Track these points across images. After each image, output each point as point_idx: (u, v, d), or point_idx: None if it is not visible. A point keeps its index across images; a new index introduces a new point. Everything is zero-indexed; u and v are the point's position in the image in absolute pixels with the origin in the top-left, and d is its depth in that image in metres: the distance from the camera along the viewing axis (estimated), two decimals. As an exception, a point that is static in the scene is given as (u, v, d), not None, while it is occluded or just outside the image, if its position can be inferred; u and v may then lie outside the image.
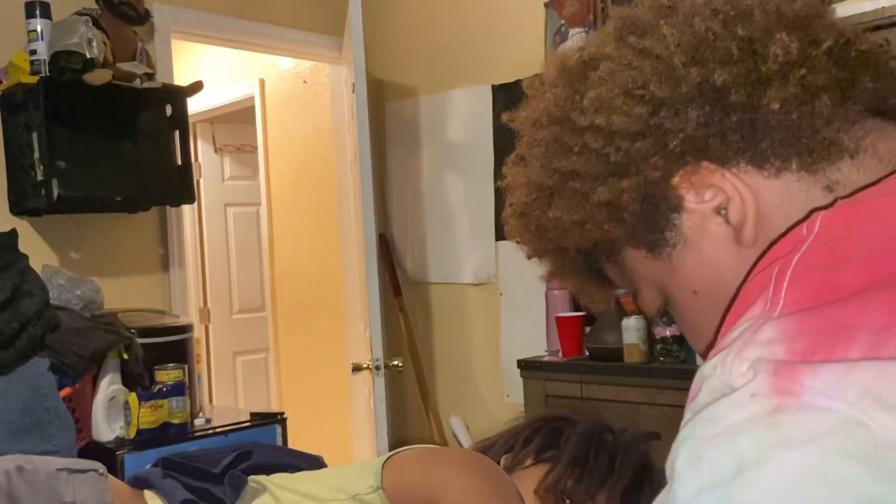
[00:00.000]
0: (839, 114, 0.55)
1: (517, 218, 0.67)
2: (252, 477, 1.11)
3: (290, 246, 4.00)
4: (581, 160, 0.59)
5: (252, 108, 4.05)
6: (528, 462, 1.18)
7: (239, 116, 4.34)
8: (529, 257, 0.70)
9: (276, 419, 2.43)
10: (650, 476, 1.16)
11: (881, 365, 0.41)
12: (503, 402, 3.07)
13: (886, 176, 0.54)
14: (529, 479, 1.15)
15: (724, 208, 0.57)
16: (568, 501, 1.12)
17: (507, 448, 1.21)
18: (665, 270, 0.61)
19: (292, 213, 3.98)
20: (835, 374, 0.42)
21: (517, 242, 0.70)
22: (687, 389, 1.65)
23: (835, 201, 0.55)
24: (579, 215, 0.61)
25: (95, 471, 1.08)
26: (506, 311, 3.10)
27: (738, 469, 0.41)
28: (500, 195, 3.26)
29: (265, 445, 1.30)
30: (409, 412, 3.38)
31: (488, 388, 3.17)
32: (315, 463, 1.26)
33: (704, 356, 0.63)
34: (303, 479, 1.13)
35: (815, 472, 0.39)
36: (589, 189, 0.59)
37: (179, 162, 2.62)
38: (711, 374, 0.47)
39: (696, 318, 0.62)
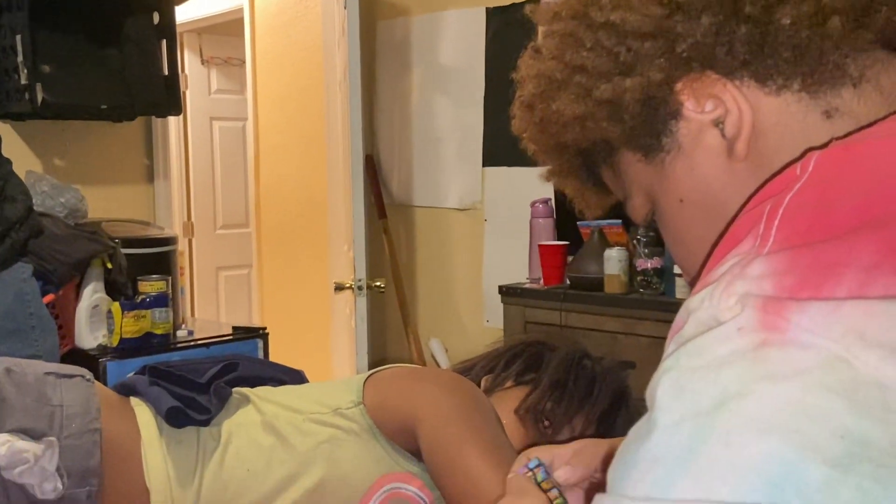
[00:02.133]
0: (849, 39, 0.55)
1: (523, 110, 0.68)
2: (236, 389, 1.13)
3: (276, 163, 3.97)
4: (591, 56, 0.59)
5: (241, 21, 3.96)
6: (509, 384, 1.21)
7: (227, 28, 4.23)
8: (532, 153, 0.70)
9: (259, 334, 2.46)
10: (626, 402, 1.19)
11: (867, 304, 0.42)
12: (483, 326, 3.12)
13: (885, 117, 0.54)
14: (509, 400, 1.18)
15: (721, 122, 0.57)
16: (546, 422, 1.15)
17: (487, 370, 1.24)
18: (656, 176, 0.62)
19: (279, 130, 3.94)
20: (821, 312, 0.42)
21: (522, 137, 0.69)
22: (666, 321, 1.68)
23: (830, 141, 0.55)
24: (581, 110, 0.61)
25: (82, 377, 1.09)
26: (489, 237, 3.11)
27: (720, 400, 0.42)
28: (488, 120, 3.26)
29: (249, 358, 1.32)
30: (390, 333, 3.42)
31: (468, 312, 3.21)
32: (297, 378, 1.28)
33: (687, 272, 0.64)
34: (285, 393, 1.15)
35: (796, 405, 0.40)
36: (593, 85, 0.60)
37: (166, 72, 2.57)
38: (698, 306, 0.47)
39: (680, 227, 0.62)
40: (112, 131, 2.69)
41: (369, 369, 2.78)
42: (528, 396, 1.17)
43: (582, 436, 1.15)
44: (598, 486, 0.81)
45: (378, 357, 3.33)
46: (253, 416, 1.09)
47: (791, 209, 0.48)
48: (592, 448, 0.83)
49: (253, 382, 1.19)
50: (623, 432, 1.14)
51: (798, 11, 0.54)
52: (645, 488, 0.44)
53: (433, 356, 3.27)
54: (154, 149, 2.80)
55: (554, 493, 0.75)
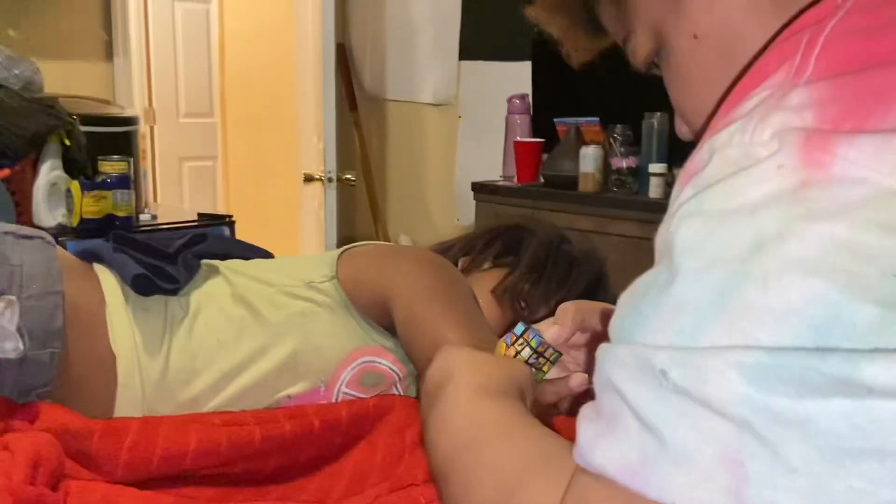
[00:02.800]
0: None
1: None
2: (206, 261, 1.09)
3: (242, 50, 3.82)
4: None
5: None
6: (487, 265, 1.19)
7: None
8: None
9: (225, 221, 2.40)
10: (604, 286, 1.18)
11: None
12: (453, 224, 3.09)
13: None
14: (487, 280, 1.15)
15: None
16: (523, 303, 1.13)
17: (465, 251, 1.21)
18: (669, 8, 0.56)
19: (246, 15, 3.78)
20: (871, 143, 0.38)
21: None
22: (639, 220, 1.66)
23: None
24: None
25: (42, 238, 1.04)
26: (464, 133, 3.05)
27: (757, 242, 0.38)
28: (466, 11, 3.14)
29: (217, 235, 1.27)
30: (358, 228, 3.38)
31: (439, 210, 3.17)
32: (266, 257, 1.24)
33: (691, 123, 0.59)
34: (257, 266, 1.11)
35: (842, 243, 0.37)
36: None
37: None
38: (727, 142, 0.42)
39: (691, 68, 0.57)
40: (68, 3, 2.54)
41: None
42: (505, 277, 1.15)
43: (559, 317, 1.13)
44: (601, 337, 0.79)
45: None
46: (223, 288, 1.05)
47: (834, 36, 0.43)
48: (574, 307, 0.80)
49: (222, 258, 1.15)
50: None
51: None
52: (668, 336, 0.40)
53: (400, 253, 3.25)
54: (113, 22, 2.66)
55: (550, 351, 0.74)
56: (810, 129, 0.40)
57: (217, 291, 1.04)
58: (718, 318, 0.38)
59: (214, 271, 1.09)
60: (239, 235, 2.54)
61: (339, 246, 2.79)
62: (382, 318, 1.03)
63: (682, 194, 0.45)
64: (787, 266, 0.38)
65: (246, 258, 1.20)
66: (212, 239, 1.18)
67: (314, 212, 2.91)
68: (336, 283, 1.05)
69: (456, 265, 1.19)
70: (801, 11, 0.49)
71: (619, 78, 2.55)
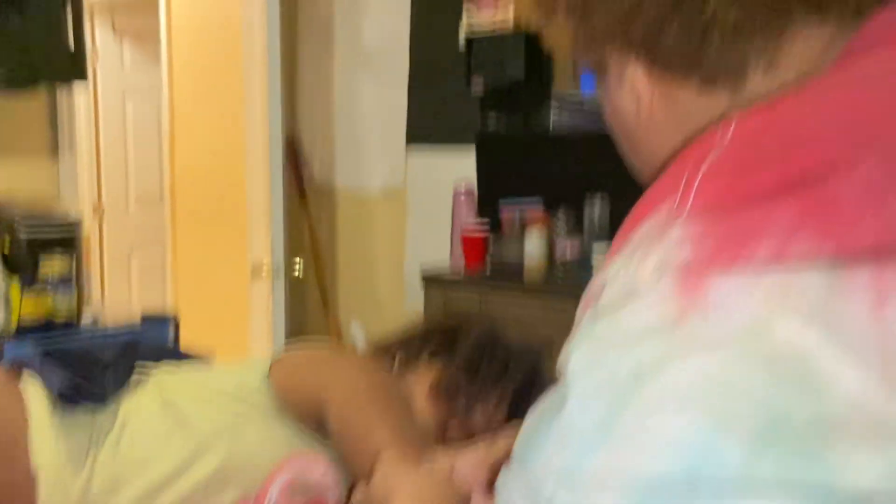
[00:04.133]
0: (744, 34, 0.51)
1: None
2: (138, 368, 1.07)
3: (193, 141, 3.85)
4: None
5: (155, -8, 3.81)
6: (423, 364, 1.19)
7: (141, 1, 4.07)
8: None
9: (169, 320, 2.36)
10: (540, 382, 1.18)
11: (786, 268, 0.40)
12: (403, 310, 3.09)
13: (809, 76, 0.51)
14: (423, 379, 1.15)
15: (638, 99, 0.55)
16: (461, 401, 1.13)
17: (401, 350, 1.21)
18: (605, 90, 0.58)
19: (196, 107, 3.82)
20: (740, 279, 0.41)
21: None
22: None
23: (752, 104, 0.53)
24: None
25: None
26: (413, 219, 3.08)
27: (637, 373, 0.40)
28: (412, 100, 3.23)
29: (153, 344, 1.26)
30: (310, 318, 3.36)
31: (390, 296, 3.17)
32: (204, 363, 1.23)
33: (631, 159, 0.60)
34: (188, 372, 1.10)
35: (714, 378, 0.39)
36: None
37: (72, 38, 2.45)
38: (615, 276, 0.45)
39: (617, 133, 0.60)
40: (12, 100, 2.55)
41: (286, 353, 2.72)
42: (441, 375, 1.15)
43: (495, 414, 1.13)
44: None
45: (300, 340, 3.27)
46: (152, 396, 1.03)
47: (710, 174, 0.46)
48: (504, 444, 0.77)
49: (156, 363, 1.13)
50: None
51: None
52: (559, 460, 0.42)
53: (354, 339, 3.23)
54: (59, 121, 2.67)
55: None
56: (689, 261, 0.42)
57: (146, 400, 1.02)
58: (603, 443, 0.40)
59: (145, 378, 1.07)
60: (187, 329, 2.50)
61: (289, 337, 2.77)
62: (316, 424, 1.02)
63: (580, 319, 0.47)
64: (663, 397, 0.39)
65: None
66: (144, 345, 1.17)
67: (263, 303, 2.89)
68: (268, 389, 1.03)
69: (392, 364, 1.19)
70: (689, 138, 0.51)
71: (561, 160, 2.62)
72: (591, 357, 0.43)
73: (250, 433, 1.00)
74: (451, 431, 1.11)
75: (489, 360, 1.16)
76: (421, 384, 1.14)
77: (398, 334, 1.25)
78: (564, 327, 1.81)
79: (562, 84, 2.67)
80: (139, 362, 1.09)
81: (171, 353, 1.26)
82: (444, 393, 1.13)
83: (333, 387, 1.00)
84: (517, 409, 1.15)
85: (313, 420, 1.01)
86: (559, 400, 0.44)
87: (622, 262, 0.45)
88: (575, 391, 0.43)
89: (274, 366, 1.06)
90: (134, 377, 1.07)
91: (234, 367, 1.12)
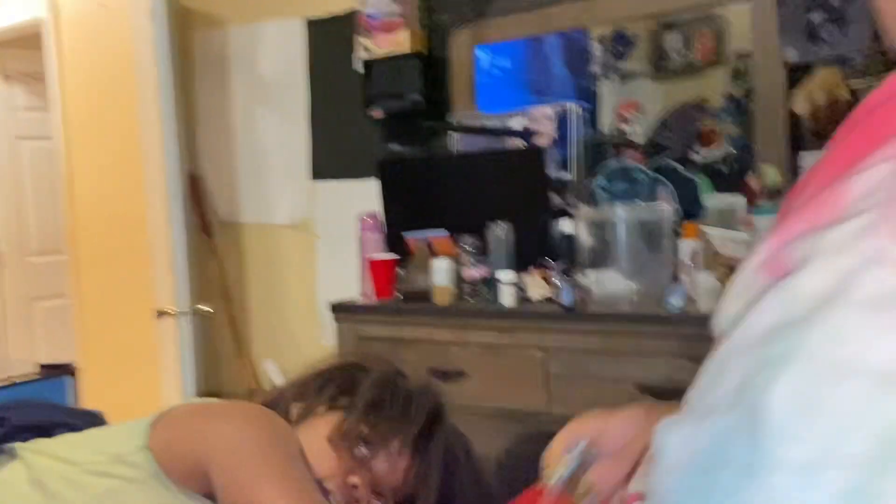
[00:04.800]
0: None
1: None
2: (6, 445, 1.01)
3: (92, 184, 3.71)
4: None
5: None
6: (321, 410, 1.15)
7: (31, 42, 3.92)
8: None
9: (67, 371, 2.26)
10: (443, 420, 1.16)
11: None
12: (318, 345, 3.04)
13: None
14: (322, 426, 1.12)
15: None
16: (363, 447, 1.10)
17: (297, 397, 1.17)
18: None
19: (92, 150, 3.69)
20: None
21: None
22: (495, 329, 1.67)
23: None
24: None
25: None
26: (321, 253, 3.04)
27: (891, 438, 0.25)
28: (314, 133, 3.20)
29: (33, 403, 1.19)
30: (223, 359, 3.27)
31: (304, 331, 3.12)
32: (92, 420, 1.17)
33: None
34: (60, 443, 1.04)
35: None
36: None
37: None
38: (840, 247, 0.29)
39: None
40: None
41: (200, 395, 2.63)
42: (341, 422, 1.12)
43: (399, 460, 1.11)
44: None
45: (212, 385, 3.17)
46: (19, 473, 0.97)
47: None
48: (646, 426, 0.62)
49: (33, 432, 1.07)
50: (441, 450, 1.10)
51: None
52: None
53: (269, 378, 3.16)
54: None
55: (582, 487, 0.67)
56: None
57: (12, 478, 0.96)
58: None
59: (11, 454, 1.01)
60: (93, 381, 2.41)
61: (201, 382, 2.69)
62: (202, 486, 0.97)
63: (765, 302, 0.31)
64: None
65: (66, 425, 1.12)
66: (20, 411, 1.10)
67: (172, 349, 2.80)
68: (147, 453, 0.98)
69: (288, 412, 1.15)
70: None
71: (464, 190, 2.62)
72: (809, 396, 0.27)
73: (130, 502, 0.95)
74: (354, 480, 1.08)
75: (391, 401, 1.14)
76: (320, 432, 1.11)
77: (295, 380, 1.22)
78: (477, 349, 1.81)
79: (461, 105, 2.69)
80: (10, 436, 1.02)
81: (54, 412, 1.20)
82: (345, 440, 1.10)
83: (215, 443, 0.95)
84: (422, 450, 1.12)
85: (199, 482, 0.96)
86: (748, 455, 0.28)
87: (851, 231, 0.29)
88: (786, 455, 0.27)
89: (154, 427, 1.01)
90: (5, 448, 1.01)
91: (110, 433, 1.07)
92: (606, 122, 2.54)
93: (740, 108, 2.36)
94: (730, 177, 2.31)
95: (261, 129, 3.16)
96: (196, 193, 3.21)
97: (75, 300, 3.82)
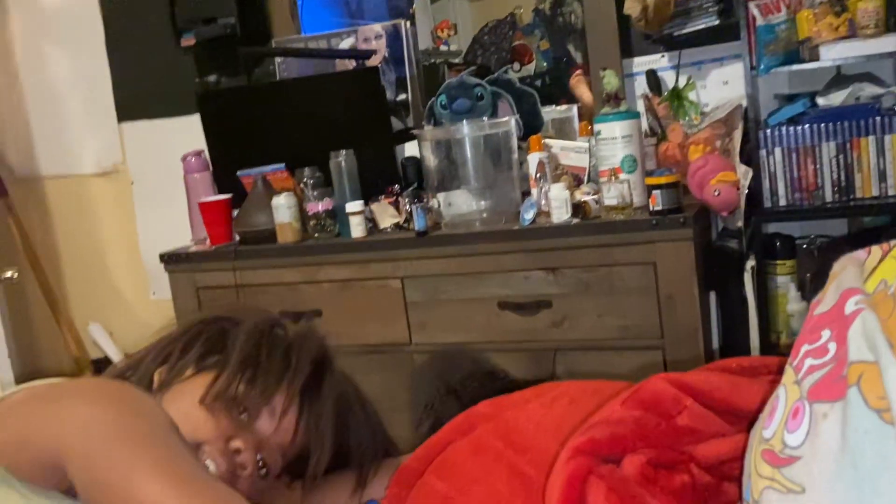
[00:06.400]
0: None
1: None
2: None
3: None
4: None
5: None
6: (189, 372, 1.02)
7: None
8: None
9: None
10: (329, 366, 1.06)
11: None
12: (149, 300, 2.80)
13: None
14: (193, 390, 0.98)
15: None
16: (241, 409, 0.98)
17: (159, 361, 1.03)
18: None
19: None
20: None
21: None
22: (345, 263, 1.56)
23: None
24: None
25: None
26: (140, 201, 2.78)
27: None
28: (115, 70, 2.88)
29: None
30: (38, 328, 2.96)
31: (130, 287, 2.87)
32: None
33: None
34: None
35: None
36: None
37: None
38: None
39: None
40: None
41: (16, 375, 2.35)
42: (214, 382, 0.99)
43: (285, 415, 1.00)
44: None
45: (29, 360, 2.86)
46: None
47: None
48: None
49: None
50: (331, 400, 0.99)
51: None
52: None
53: (95, 343, 2.89)
54: None
55: None
56: None
57: None
58: None
59: None
60: None
61: (17, 355, 2.40)
62: (56, 481, 0.82)
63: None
64: None
65: None
66: None
67: (-23, 323, 2.48)
68: None
69: (150, 381, 1.01)
70: None
71: (297, 120, 2.45)
72: None
73: None
74: (237, 444, 0.97)
75: (268, 354, 1.02)
76: (192, 396, 0.97)
77: (152, 345, 1.07)
78: (328, 286, 1.69)
79: (281, 29, 2.50)
80: None
81: None
82: (222, 402, 0.97)
83: (66, 431, 0.80)
84: (310, 402, 1.02)
85: (54, 478, 0.81)
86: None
87: None
88: None
89: None
90: None
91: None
92: (423, 43, 2.47)
93: (549, 22, 2.38)
94: (545, 91, 2.33)
95: (50, 67, 2.80)
96: (-20, 147, 2.82)
97: None
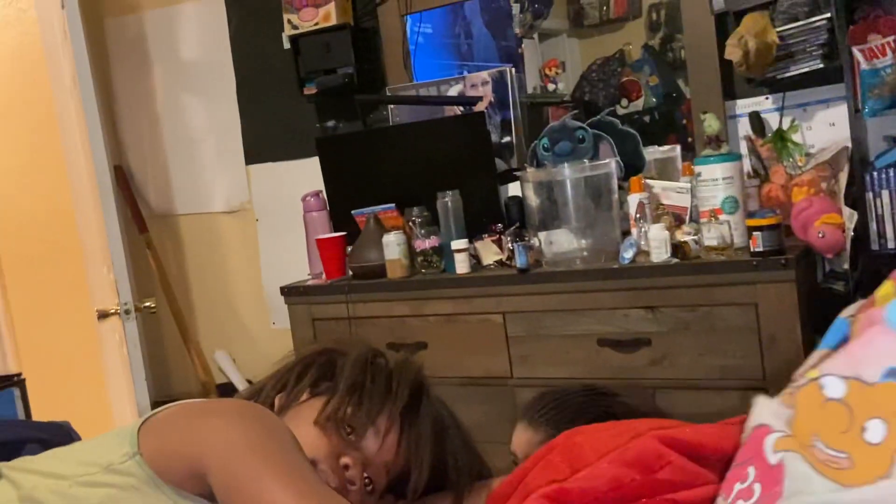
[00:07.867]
0: None
1: None
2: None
3: (9, 186, 3.55)
4: None
5: (-60, 30, 3.47)
6: (304, 397, 1.14)
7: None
8: None
9: (13, 382, 2.17)
10: (426, 392, 1.16)
11: None
12: (269, 329, 2.99)
13: None
14: (307, 412, 1.10)
15: None
16: (349, 429, 1.09)
17: (279, 388, 1.15)
18: None
19: (6, 150, 3.52)
20: None
21: None
22: (449, 298, 1.67)
23: None
24: None
25: None
26: (263, 237, 2.98)
27: None
28: (245, 115, 3.12)
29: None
30: (170, 355, 3.19)
31: (252, 317, 3.07)
32: (60, 431, 1.12)
33: None
34: (46, 459, 0.99)
35: None
36: None
37: None
38: None
39: None
40: None
41: (151, 399, 2.56)
42: (326, 405, 1.10)
43: (388, 437, 1.10)
44: None
45: (161, 383, 3.10)
46: (8, 493, 0.92)
47: None
48: None
49: (8, 450, 1.02)
50: (428, 422, 1.09)
51: None
52: None
53: (221, 370, 3.10)
54: None
55: None
56: None
57: (1, 500, 0.92)
58: None
59: None
60: (34, 391, 2.31)
61: (151, 380, 2.61)
62: (200, 487, 0.94)
63: None
64: None
65: (37, 440, 1.08)
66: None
67: (117, 349, 2.71)
68: (139, 459, 0.94)
69: (272, 405, 1.13)
70: None
71: (407, 162, 2.59)
72: None
73: None
74: (346, 461, 1.07)
75: (372, 380, 1.13)
76: (306, 418, 1.09)
77: (272, 374, 1.20)
78: (434, 319, 1.80)
79: (395, 78, 2.65)
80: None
81: (22, 428, 1.14)
82: (333, 423, 1.08)
83: (209, 443, 0.93)
84: (411, 428, 1.12)
85: (196, 483, 0.94)
86: None
87: None
88: None
89: (142, 432, 0.97)
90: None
91: (97, 443, 1.02)
92: (531, 82, 2.55)
93: (658, 58, 2.40)
94: (653, 126, 2.35)
95: (187, 114, 3.06)
96: (125, 187, 3.10)
97: (4, 309, 3.66)
